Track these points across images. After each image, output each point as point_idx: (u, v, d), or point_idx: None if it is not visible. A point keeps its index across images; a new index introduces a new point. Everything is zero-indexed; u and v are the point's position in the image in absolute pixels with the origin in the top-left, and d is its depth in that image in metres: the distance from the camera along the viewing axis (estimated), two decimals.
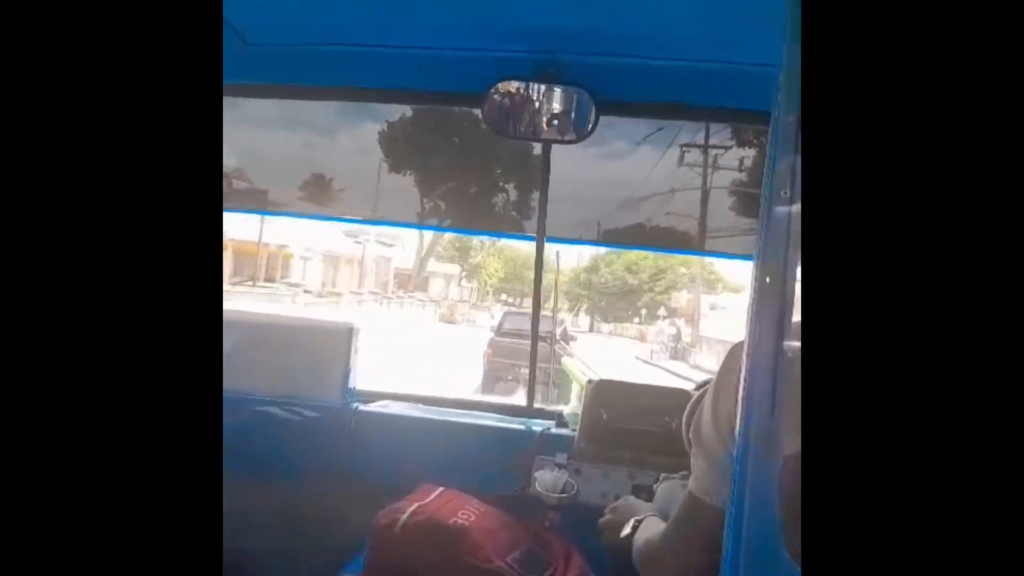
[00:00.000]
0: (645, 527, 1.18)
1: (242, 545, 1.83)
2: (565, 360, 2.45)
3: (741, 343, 0.99)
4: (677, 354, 20.64)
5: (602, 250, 27.23)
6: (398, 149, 2.20)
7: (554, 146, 2.04)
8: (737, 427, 0.70)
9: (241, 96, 2.14)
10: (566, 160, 2.07)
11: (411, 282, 30.24)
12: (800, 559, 0.64)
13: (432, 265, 32.67)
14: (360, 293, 24.80)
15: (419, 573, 1.38)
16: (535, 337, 2.15)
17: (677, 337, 21.97)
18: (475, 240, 30.05)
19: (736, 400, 0.75)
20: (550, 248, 2.11)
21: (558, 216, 2.07)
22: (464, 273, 33.68)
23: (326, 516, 1.83)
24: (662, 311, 27.91)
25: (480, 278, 33.65)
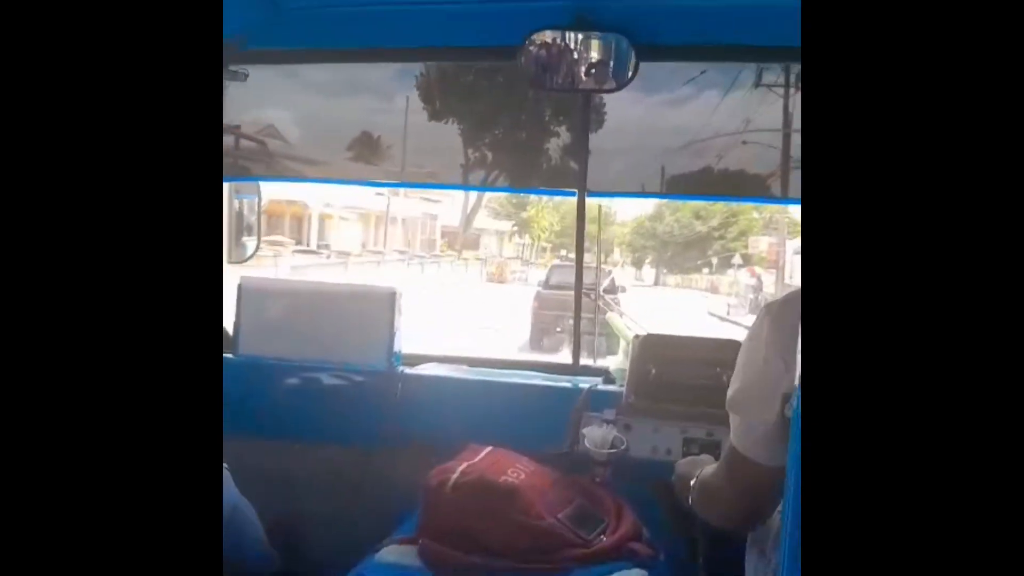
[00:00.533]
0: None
1: (293, 509, 1.87)
2: (609, 316, 2.40)
3: (776, 301, 0.97)
4: (759, 307, 19.20)
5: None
6: (436, 108, 2.16)
7: (606, 97, 1.98)
8: (798, 382, 0.68)
9: (275, 63, 2.13)
10: (613, 109, 2.01)
11: (457, 240, 28.38)
12: None
13: (483, 222, 30.16)
14: (405, 252, 23.57)
15: (471, 532, 1.38)
16: (579, 293, 2.11)
17: (758, 288, 18.99)
18: (534, 197, 27.19)
19: (784, 359, 0.75)
20: (595, 202, 2.07)
21: (602, 169, 2.02)
22: (515, 229, 31.22)
23: (376, 479, 1.85)
24: (736, 259, 25.39)
25: (533, 233, 30.40)
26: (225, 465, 1.59)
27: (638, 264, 29.76)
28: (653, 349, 1.80)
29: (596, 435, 1.66)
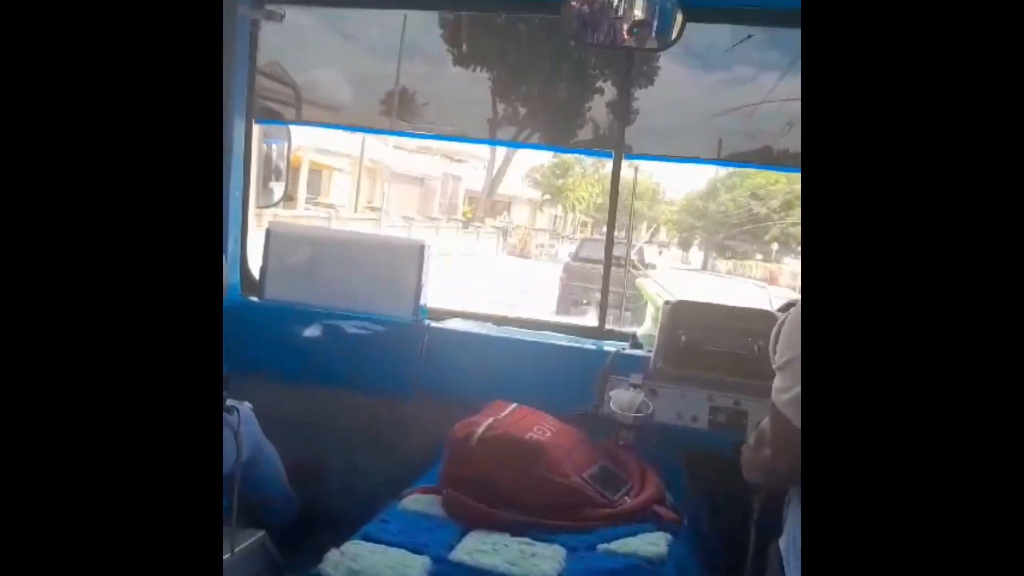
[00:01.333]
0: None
1: (315, 454, 1.88)
2: (640, 281, 2.37)
3: None
4: None
5: (722, 172, 22.65)
6: (470, 59, 2.11)
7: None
8: None
9: (310, 3, 2.09)
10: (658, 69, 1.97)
11: (480, 206, 24.78)
12: None
13: (514, 188, 26.24)
14: (411, 219, 19.54)
15: (494, 485, 1.38)
16: (609, 255, 2.09)
17: None
18: (576, 166, 24.04)
19: None
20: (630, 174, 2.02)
21: (642, 131, 1.98)
22: (547, 198, 27.14)
23: (399, 430, 1.85)
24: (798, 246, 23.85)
25: (567, 203, 26.63)
26: (250, 405, 1.59)
27: (685, 246, 26.70)
28: (684, 316, 1.77)
29: (623, 398, 1.65)
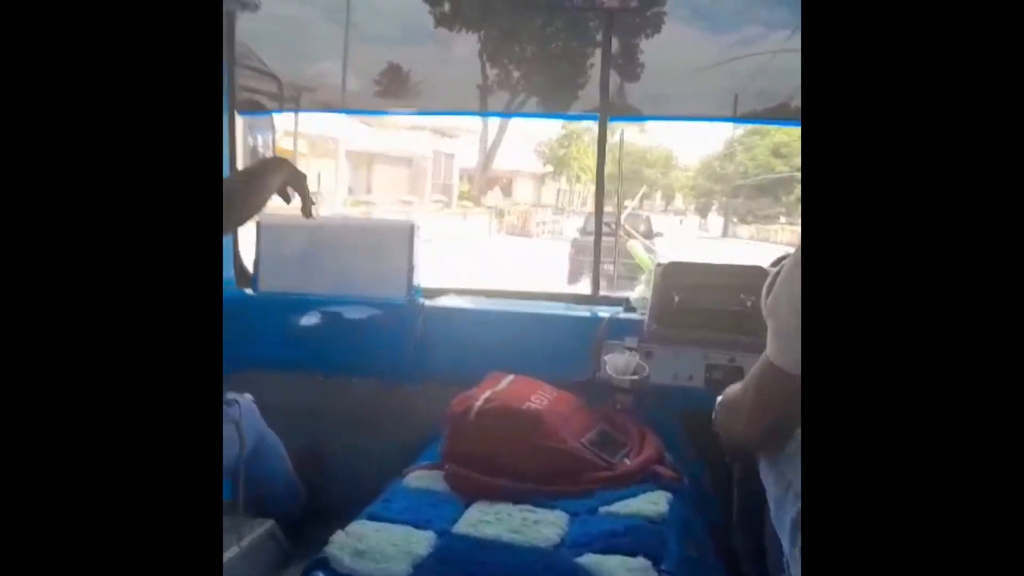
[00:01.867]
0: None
1: (319, 441, 1.90)
2: (630, 243, 2.36)
3: None
4: None
5: (739, 131, 20.45)
6: (449, 27, 2.08)
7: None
8: None
9: None
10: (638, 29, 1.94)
11: (475, 184, 22.32)
12: None
13: (514, 161, 23.27)
14: (409, 202, 18.23)
15: (495, 457, 1.39)
16: (599, 223, 2.08)
17: None
18: (585, 135, 20.66)
19: None
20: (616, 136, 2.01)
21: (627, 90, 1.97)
22: (550, 170, 24.40)
23: (399, 410, 1.87)
24: None
25: (572, 174, 23.75)
26: (250, 397, 1.61)
27: (703, 212, 24.40)
28: (676, 276, 1.77)
29: (618, 362, 1.66)
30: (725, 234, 22.07)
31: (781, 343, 0.96)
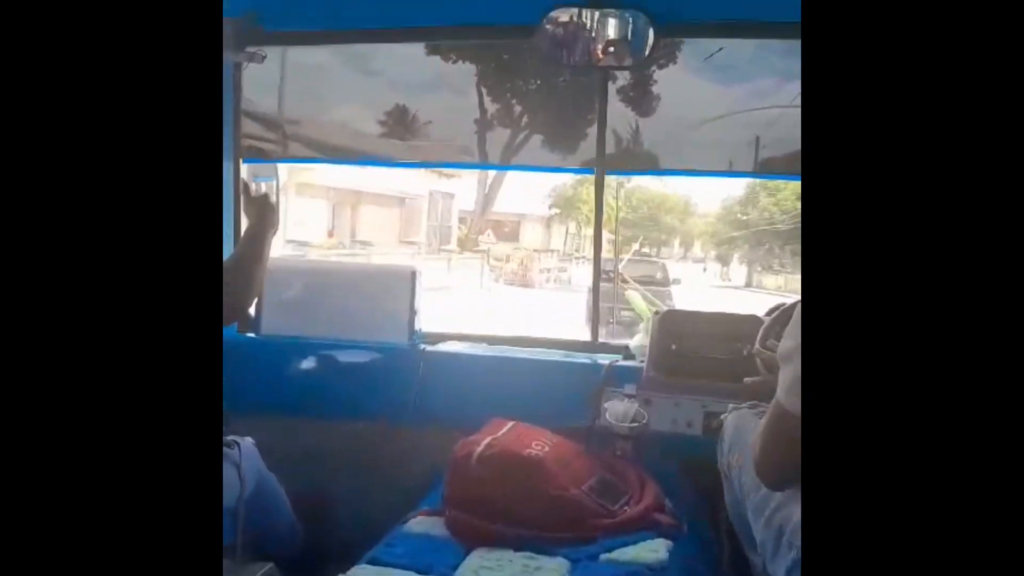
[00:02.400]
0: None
1: (319, 485, 1.90)
2: (629, 293, 2.40)
3: None
4: None
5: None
6: (450, 85, 2.16)
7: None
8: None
9: (289, 43, 2.13)
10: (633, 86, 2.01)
11: (473, 227, 20.18)
12: None
13: (520, 205, 21.04)
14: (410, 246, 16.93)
15: (496, 502, 1.40)
16: (597, 269, 2.12)
17: None
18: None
19: None
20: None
21: (622, 146, 2.03)
22: (555, 212, 22.16)
23: (400, 455, 1.87)
24: None
25: (581, 217, 21.03)
26: (251, 440, 1.62)
27: (724, 260, 22.84)
28: (674, 325, 1.81)
29: (618, 409, 1.68)
30: (749, 284, 20.55)
31: (794, 387, 0.96)
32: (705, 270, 21.21)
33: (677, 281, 11.81)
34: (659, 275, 11.53)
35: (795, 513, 1.02)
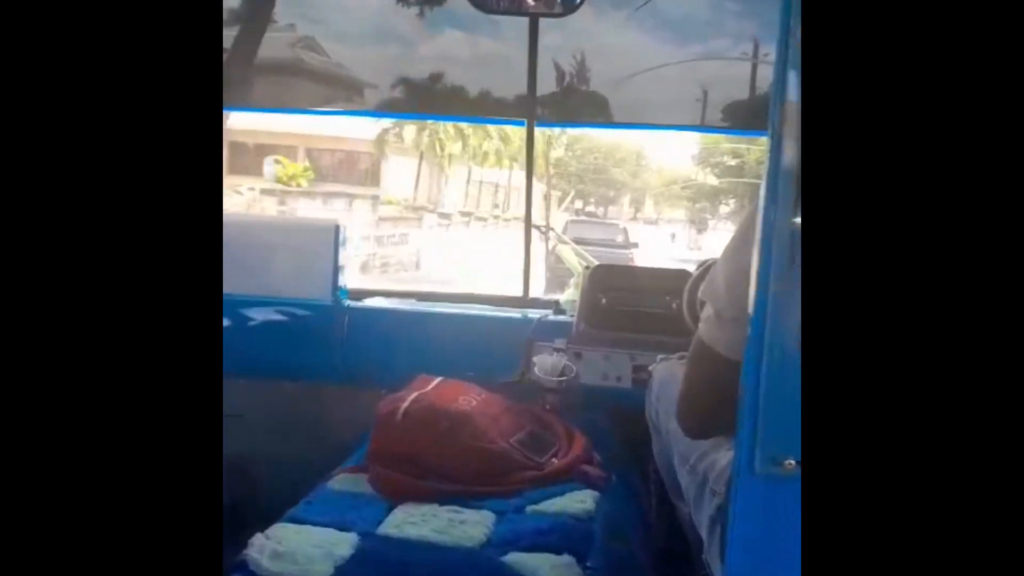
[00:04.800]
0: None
1: (242, 449, 1.83)
2: (560, 248, 2.39)
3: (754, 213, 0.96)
4: None
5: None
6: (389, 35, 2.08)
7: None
8: (753, 283, 0.67)
9: None
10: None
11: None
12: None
13: None
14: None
15: (422, 458, 1.37)
16: (528, 225, 2.10)
17: None
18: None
19: (751, 262, 0.73)
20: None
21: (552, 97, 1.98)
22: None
23: (325, 414, 1.82)
24: None
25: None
26: None
27: (699, 224, 20.16)
28: (604, 279, 1.80)
29: (547, 363, 1.67)
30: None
31: (716, 324, 0.94)
32: (674, 238, 18.80)
33: (635, 245, 11.83)
34: (620, 238, 11.53)
35: (718, 461, 1.02)
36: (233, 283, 1.92)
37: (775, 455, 0.64)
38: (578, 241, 9.10)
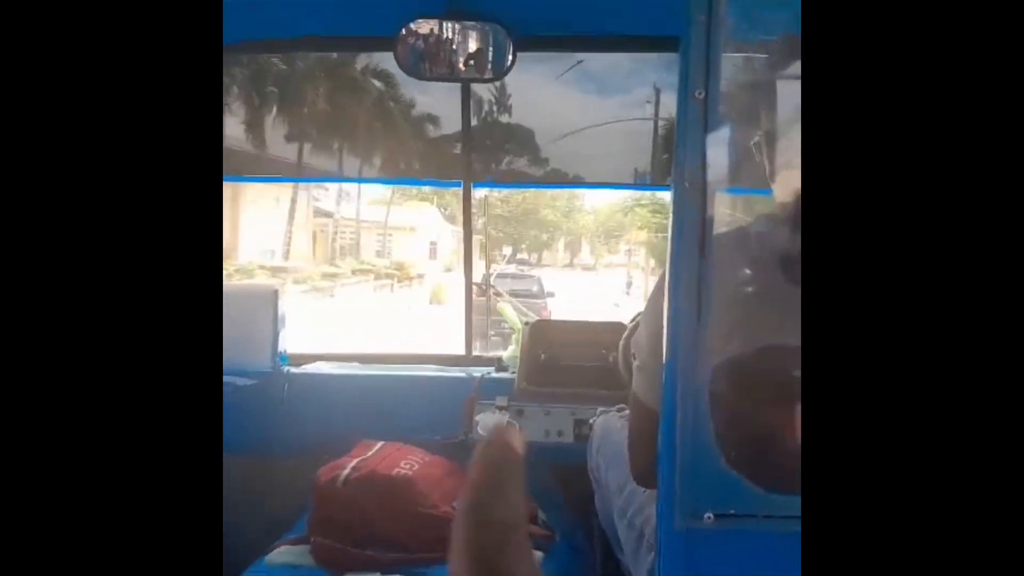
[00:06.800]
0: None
1: None
2: (500, 305, 2.41)
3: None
4: None
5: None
6: (308, 101, 2.11)
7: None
8: (665, 333, 0.68)
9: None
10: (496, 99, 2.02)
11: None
12: (734, 466, 0.64)
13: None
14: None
15: (364, 526, 1.35)
16: (469, 283, 2.11)
17: None
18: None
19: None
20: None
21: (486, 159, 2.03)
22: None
23: (265, 484, 1.78)
24: None
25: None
26: None
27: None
28: (542, 335, 1.82)
29: (489, 421, 1.67)
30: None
31: (641, 376, 0.97)
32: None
33: (551, 295, 12.13)
34: (535, 288, 11.80)
35: (654, 515, 1.03)
36: None
37: (695, 509, 0.64)
38: (517, 293, 9.18)
